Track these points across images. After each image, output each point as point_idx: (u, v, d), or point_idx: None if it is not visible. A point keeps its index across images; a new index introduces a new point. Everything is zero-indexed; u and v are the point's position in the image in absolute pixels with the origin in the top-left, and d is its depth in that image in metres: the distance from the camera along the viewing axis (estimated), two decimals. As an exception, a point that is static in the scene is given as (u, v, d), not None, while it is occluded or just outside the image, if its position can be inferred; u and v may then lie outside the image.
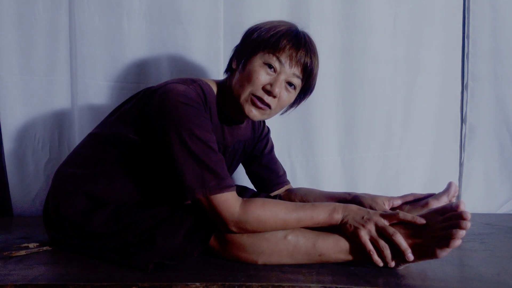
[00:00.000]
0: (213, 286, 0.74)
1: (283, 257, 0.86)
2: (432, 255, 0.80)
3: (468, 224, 0.77)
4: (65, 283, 0.74)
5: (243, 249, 0.87)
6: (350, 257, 0.87)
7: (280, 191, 1.26)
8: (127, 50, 1.45)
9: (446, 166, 1.67)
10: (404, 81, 1.61)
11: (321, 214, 0.88)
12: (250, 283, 0.74)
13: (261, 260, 0.86)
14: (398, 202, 1.07)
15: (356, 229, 0.84)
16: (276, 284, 0.74)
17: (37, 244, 1.01)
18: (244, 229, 0.85)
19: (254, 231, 0.86)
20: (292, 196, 1.22)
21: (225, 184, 0.84)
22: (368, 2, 1.54)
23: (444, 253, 0.79)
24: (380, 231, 0.84)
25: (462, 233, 0.77)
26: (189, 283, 0.74)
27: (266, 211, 0.85)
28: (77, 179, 0.95)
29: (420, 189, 1.62)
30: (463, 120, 1.68)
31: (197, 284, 0.74)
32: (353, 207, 0.89)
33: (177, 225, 0.86)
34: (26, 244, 1.00)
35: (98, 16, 1.43)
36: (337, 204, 0.90)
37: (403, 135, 1.63)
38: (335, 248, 0.86)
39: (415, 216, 0.84)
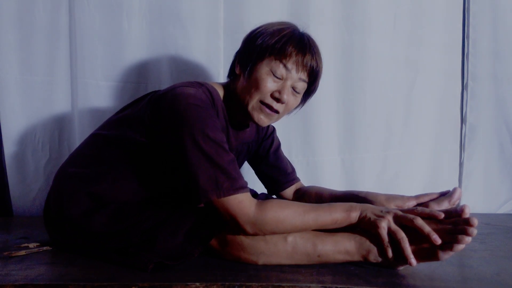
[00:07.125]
0: (213, 286, 0.74)
1: (282, 258, 0.86)
2: (434, 257, 0.80)
3: (474, 231, 0.77)
4: (65, 283, 0.74)
5: (243, 250, 0.87)
6: (349, 258, 0.86)
7: (291, 189, 1.25)
8: (127, 50, 1.45)
9: (446, 166, 1.67)
10: (404, 81, 1.62)
11: (338, 212, 0.86)
12: (250, 283, 0.74)
13: (261, 261, 0.86)
14: (412, 203, 1.02)
15: (375, 220, 0.83)
16: (276, 284, 0.74)
17: (37, 244, 1.01)
18: (261, 231, 0.84)
19: (272, 232, 0.85)
20: (306, 198, 1.19)
21: (238, 185, 0.84)
22: (368, 2, 1.54)
23: (446, 256, 0.79)
24: (400, 220, 0.82)
25: (468, 239, 0.77)
26: (189, 283, 0.74)
27: (284, 211, 0.84)
28: (80, 179, 0.95)
29: (420, 189, 1.62)
30: (463, 120, 1.68)
31: (197, 284, 0.74)
32: (370, 205, 0.89)
33: (177, 225, 0.86)
34: (26, 244, 1.00)
35: (98, 16, 1.43)
36: (354, 203, 0.89)
37: (403, 135, 1.63)
38: (334, 249, 0.86)
39: (434, 210, 0.83)
